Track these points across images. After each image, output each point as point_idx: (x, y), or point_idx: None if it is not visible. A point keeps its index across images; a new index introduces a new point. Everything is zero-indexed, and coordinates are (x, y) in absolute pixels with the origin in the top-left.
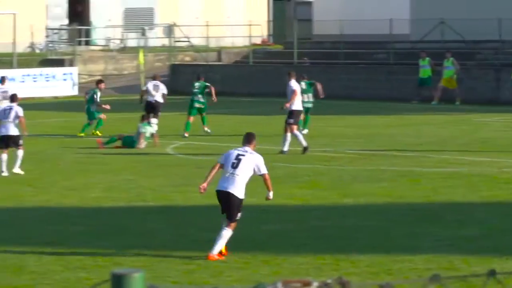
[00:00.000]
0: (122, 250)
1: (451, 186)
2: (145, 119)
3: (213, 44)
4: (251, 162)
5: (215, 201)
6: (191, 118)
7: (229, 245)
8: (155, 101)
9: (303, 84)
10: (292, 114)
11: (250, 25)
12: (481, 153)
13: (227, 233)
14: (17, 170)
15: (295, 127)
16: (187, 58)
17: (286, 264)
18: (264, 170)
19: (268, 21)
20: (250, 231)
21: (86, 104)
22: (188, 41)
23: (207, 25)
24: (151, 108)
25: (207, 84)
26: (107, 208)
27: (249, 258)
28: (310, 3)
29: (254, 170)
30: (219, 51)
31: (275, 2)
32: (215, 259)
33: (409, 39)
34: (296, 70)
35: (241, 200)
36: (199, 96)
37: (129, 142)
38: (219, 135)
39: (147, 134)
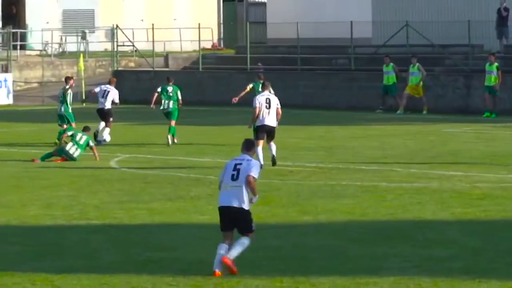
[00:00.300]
0: (62, 273)
1: (420, 202)
2: (86, 130)
3: (159, 48)
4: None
5: (162, 218)
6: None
7: (178, 267)
8: (104, 107)
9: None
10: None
11: (199, 28)
12: (451, 166)
13: (246, 241)
14: None
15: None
16: (132, 64)
17: (241, 287)
18: (252, 172)
19: (219, 24)
20: (201, 251)
21: (60, 105)
22: (132, 46)
23: (152, 28)
24: (100, 116)
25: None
26: (47, 227)
27: (200, 280)
28: (263, 4)
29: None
30: (166, 56)
31: (226, 3)
32: (229, 264)
33: (372, 43)
34: (249, 76)
35: (248, 211)
36: (171, 101)
37: (63, 153)
38: (168, 149)
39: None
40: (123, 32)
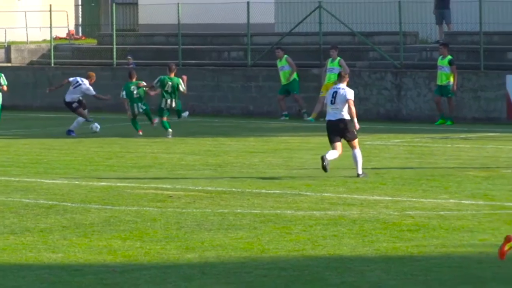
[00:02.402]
0: None
1: (335, 235)
2: None
3: None
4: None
5: (3, 258)
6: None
7: None
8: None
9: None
10: None
11: (50, 11)
12: (376, 189)
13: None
14: None
15: None
16: None
17: None
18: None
19: (76, 6)
20: None
21: None
22: None
23: None
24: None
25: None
26: None
27: None
28: None
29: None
30: (7, 47)
31: None
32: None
33: (274, 30)
34: (116, 73)
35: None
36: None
37: None
38: (10, 165)
39: None
40: None
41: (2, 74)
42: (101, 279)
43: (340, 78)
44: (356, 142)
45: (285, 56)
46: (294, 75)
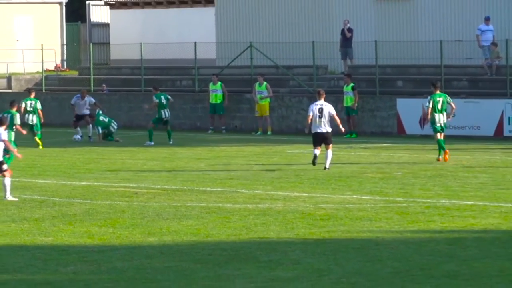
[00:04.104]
0: None
1: (264, 223)
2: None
3: (1, 70)
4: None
5: (6, 240)
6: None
7: None
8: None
9: (162, 97)
10: None
11: (42, 49)
12: (296, 187)
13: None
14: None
15: None
16: None
17: None
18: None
19: (62, 45)
20: (46, 274)
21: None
22: None
23: None
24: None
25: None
26: None
27: None
28: (107, 25)
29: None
30: (8, 77)
31: (68, 24)
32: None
33: (216, 64)
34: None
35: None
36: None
37: None
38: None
39: None
40: None
41: (38, 100)
42: (82, 257)
43: (320, 95)
44: (331, 145)
45: (220, 82)
46: (221, 98)
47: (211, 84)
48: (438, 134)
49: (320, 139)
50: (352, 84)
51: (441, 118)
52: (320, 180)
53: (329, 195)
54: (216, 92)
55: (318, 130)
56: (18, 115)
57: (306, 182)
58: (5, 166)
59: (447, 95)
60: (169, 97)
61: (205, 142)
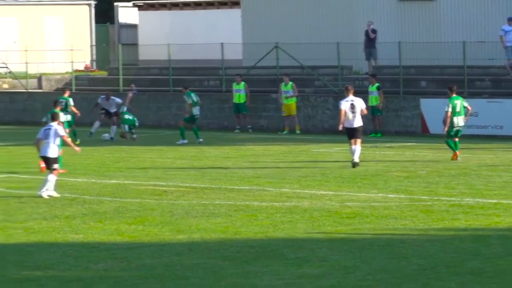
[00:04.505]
0: None
1: (291, 221)
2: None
3: (33, 70)
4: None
5: (38, 237)
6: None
7: (55, 285)
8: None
9: (193, 95)
10: None
11: (71, 50)
12: (322, 185)
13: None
14: (51, 192)
15: None
16: (5, 85)
17: None
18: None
19: (91, 46)
20: (77, 270)
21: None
22: (5, 67)
23: (26, 50)
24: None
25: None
26: None
27: None
28: (135, 26)
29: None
30: (39, 77)
31: (98, 25)
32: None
33: (242, 64)
34: (121, 97)
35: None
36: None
37: None
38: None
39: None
40: None
41: (70, 98)
42: (112, 254)
43: (348, 91)
44: (360, 140)
45: (243, 82)
46: (244, 98)
47: (234, 84)
48: (451, 139)
49: (352, 133)
50: (377, 84)
51: (459, 121)
52: (346, 178)
53: (354, 193)
54: (239, 92)
55: (350, 125)
56: (61, 114)
57: (332, 181)
58: (56, 166)
59: (463, 98)
60: (198, 98)
61: (232, 141)
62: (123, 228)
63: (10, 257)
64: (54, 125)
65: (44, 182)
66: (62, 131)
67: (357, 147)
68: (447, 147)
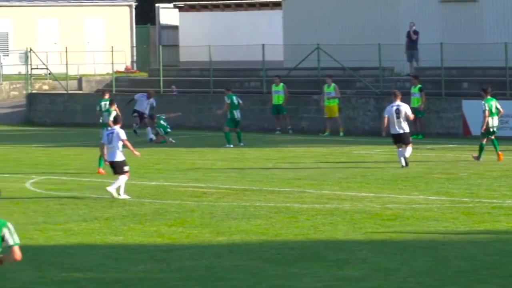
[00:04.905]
0: None
1: (332, 223)
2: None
3: (73, 71)
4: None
5: (77, 239)
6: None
7: (94, 287)
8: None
9: (234, 98)
10: None
11: (112, 51)
12: (363, 187)
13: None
14: (122, 196)
15: None
16: (45, 87)
17: None
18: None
19: (132, 47)
20: (117, 272)
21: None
22: (46, 68)
23: (66, 51)
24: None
25: None
26: None
27: None
28: (176, 27)
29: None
30: (79, 79)
31: (139, 27)
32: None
33: (284, 65)
34: (162, 99)
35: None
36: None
37: None
38: (83, 169)
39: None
40: (36, 55)
41: (112, 100)
42: (152, 256)
43: (396, 96)
44: (410, 144)
45: (282, 84)
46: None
47: (273, 85)
48: (485, 139)
49: (398, 140)
50: (419, 85)
51: (494, 122)
52: (387, 180)
53: (395, 195)
54: (278, 93)
55: (396, 131)
56: (114, 113)
57: (373, 183)
58: (126, 168)
59: (497, 99)
60: (240, 101)
61: (273, 143)
62: (163, 230)
63: (49, 259)
64: (116, 128)
65: (116, 180)
66: (123, 134)
67: (408, 148)
68: (492, 148)
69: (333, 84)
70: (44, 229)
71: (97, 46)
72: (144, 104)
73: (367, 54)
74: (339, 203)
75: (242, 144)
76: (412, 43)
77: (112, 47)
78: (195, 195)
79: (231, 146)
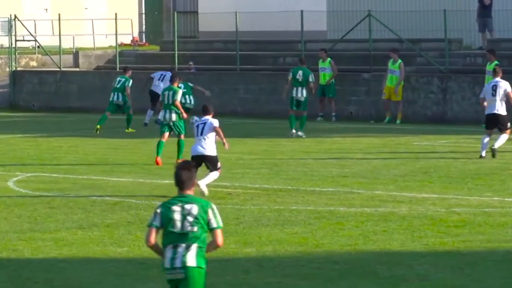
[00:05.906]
0: None
1: (386, 231)
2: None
3: (67, 44)
4: None
5: (72, 251)
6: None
7: None
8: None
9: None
10: None
11: (115, 19)
12: (424, 187)
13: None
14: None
15: None
16: (33, 63)
17: None
18: None
19: (140, 15)
20: None
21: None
22: (34, 40)
23: (59, 19)
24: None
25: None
26: None
27: None
28: None
29: None
30: (75, 53)
31: None
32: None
33: (327, 37)
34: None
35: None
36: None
37: None
38: (79, 164)
39: None
40: (22, 24)
41: (129, 79)
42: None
43: (495, 73)
44: (507, 131)
45: (329, 59)
46: (333, 79)
47: (320, 61)
48: None
49: (491, 122)
50: (495, 61)
51: None
52: (454, 178)
53: (464, 197)
54: (325, 71)
55: (490, 111)
56: (180, 92)
57: (436, 181)
58: (219, 164)
59: None
60: (311, 79)
61: (314, 132)
62: None
63: (36, 275)
64: (209, 118)
65: (208, 175)
66: (216, 122)
67: (502, 136)
68: None
69: (399, 61)
70: (31, 239)
71: (97, 13)
72: (162, 85)
73: (429, 23)
74: (394, 207)
75: (300, 133)
76: (485, 9)
77: (115, 14)
78: (218, 197)
79: (294, 132)
